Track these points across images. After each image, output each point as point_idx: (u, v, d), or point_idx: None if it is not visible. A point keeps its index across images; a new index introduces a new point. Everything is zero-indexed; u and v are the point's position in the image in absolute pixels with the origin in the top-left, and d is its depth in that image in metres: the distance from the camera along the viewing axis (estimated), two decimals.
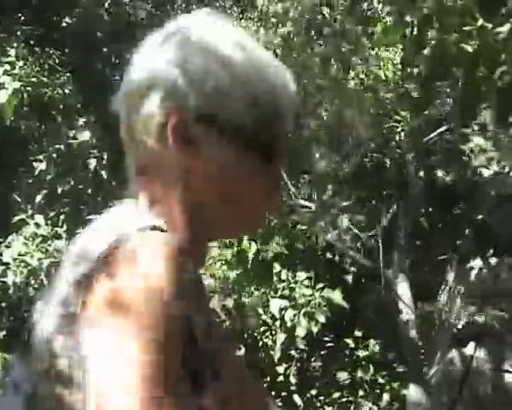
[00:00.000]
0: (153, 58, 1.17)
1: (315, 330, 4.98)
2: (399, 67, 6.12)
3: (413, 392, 5.26)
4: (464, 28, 2.19)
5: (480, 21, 2.13)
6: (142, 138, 1.15)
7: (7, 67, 5.98)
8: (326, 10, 6.58)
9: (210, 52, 1.15)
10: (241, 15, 8.46)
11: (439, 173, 5.70)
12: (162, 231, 1.07)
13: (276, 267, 5.37)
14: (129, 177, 1.22)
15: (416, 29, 2.23)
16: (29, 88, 5.96)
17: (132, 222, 1.07)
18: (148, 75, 1.15)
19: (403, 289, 5.39)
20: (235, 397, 1.33)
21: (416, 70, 2.47)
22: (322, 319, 5.00)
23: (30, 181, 6.76)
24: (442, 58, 2.26)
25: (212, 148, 1.13)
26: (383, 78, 6.07)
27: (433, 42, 2.28)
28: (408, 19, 2.24)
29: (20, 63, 6.07)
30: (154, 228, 1.06)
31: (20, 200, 6.59)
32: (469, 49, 2.23)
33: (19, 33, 6.79)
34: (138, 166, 1.19)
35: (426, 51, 2.23)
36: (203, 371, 1.08)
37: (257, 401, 1.46)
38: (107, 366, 0.95)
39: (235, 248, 5.41)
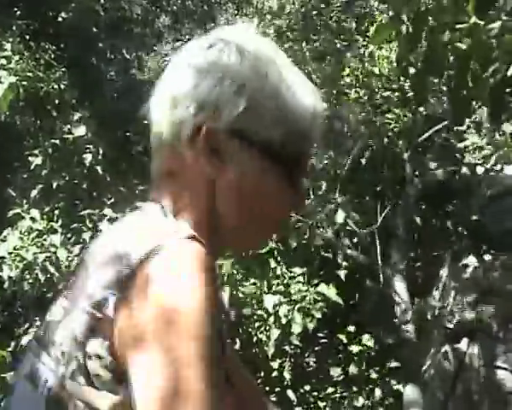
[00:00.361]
0: (190, 69, 1.18)
1: (311, 326, 4.99)
2: (394, 64, 6.14)
3: (408, 387, 5.30)
4: (458, 26, 2.22)
5: (473, 19, 2.15)
6: (173, 145, 1.17)
7: (3, 61, 5.99)
8: (321, 6, 6.61)
9: (245, 69, 1.17)
10: (236, 12, 8.49)
11: (434, 171, 5.72)
12: (197, 240, 1.07)
13: (272, 263, 5.38)
14: (153, 179, 1.24)
15: (410, 27, 2.25)
16: (25, 83, 5.97)
17: (167, 229, 1.08)
18: (185, 85, 1.17)
19: (399, 285, 5.43)
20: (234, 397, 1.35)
21: (411, 68, 2.48)
22: (318, 315, 5.02)
23: (25, 176, 6.76)
24: (435, 55, 2.28)
25: (239, 161, 1.15)
26: (378, 74, 6.09)
27: (425, 39, 2.30)
28: (403, 17, 2.26)
29: (16, 57, 6.07)
30: (191, 238, 1.07)
31: (15, 194, 6.58)
32: (463, 46, 2.25)
33: (14, 28, 6.80)
34: (165, 170, 1.21)
35: (420, 48, 2.26)
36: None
37: (255, 399, 1.49)
38: (158, 375, 0.94)
39: None
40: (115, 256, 1.05)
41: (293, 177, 1.20)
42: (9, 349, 5.70)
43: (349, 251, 5.75)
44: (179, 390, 0.93)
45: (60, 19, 7.12)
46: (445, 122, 5.52)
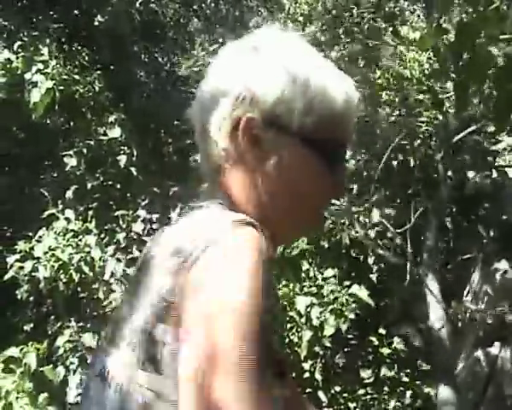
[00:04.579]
0: (228, 66, 1.25)
1: (344, 327, 5.01)
2: (426, 66, 6.14)
3: (441, 389, 5.29)
4: (502, 36, 2.25)
5: None
6: (216, 140, 1.22)
7: (40, 66, 6.06)
8: (353, 7, 6.58)
9: (277, 63, 1.22)
10: (268, 17, 8.52)
11: (468, 174, 5.71)
12: (253, 225, 1.11)
13: (304, 264, 5.41)
14: (203, 176, 1.29)
15: (453, 35, 2.28)
16: (61, 87, 6.04)
17: (224, 220, 1.11)
18: (224, 81, 1.23)
19: (433, 287, 5.41)
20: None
21: (451, 74, 2.51)
22: (351, 315, 5.03)
23: (60, 177, 6.85)
24: (478, 64, 2.31)
25: (279, 149, 1.20)
26: (409, 76, 6.09)
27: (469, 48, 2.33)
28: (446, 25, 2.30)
29: (53, 62, 6.15)
30: (248, 224, 1.11)
31: (49, 195, 6.66)
32: (507, 52, 2.28)
33: (50, 31, 6.89)
34: (214, 167, 1.26)
35: (464, 57, 2.28)
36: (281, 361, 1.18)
37: (296, 400, 1.52)
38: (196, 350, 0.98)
39: None
40: (175, 251, 1.09)
41: (332, 164, 1.23)
42: (43, 347, 5.79)
43: (381, 252, 5.75)
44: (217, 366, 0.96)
45: (96, 23, 7.18)
46: (479, 124, 5.50)
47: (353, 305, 5.10)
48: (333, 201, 5.64)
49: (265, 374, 1.01)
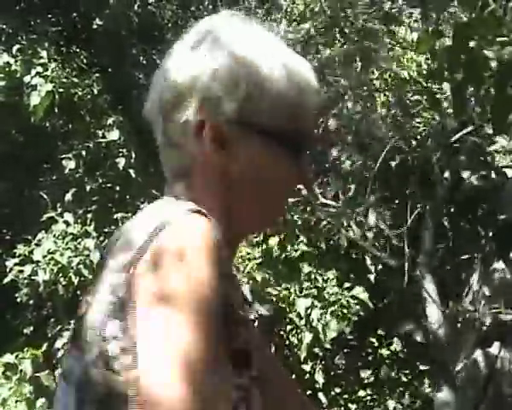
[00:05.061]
0: (185, 64, 1.22)
1: (347, 330, 5.02)
2: (423, 67, 6.14)
3: (441, 391, 5.29)
4: (498, 39, 2.25)
5: None
6: (180, 142, 1.22)
7: (39, 69, 6.07)
8: (348, 7, 6.56)
9: (239, 56, 1.20)
10: (265, 17, 8.52)
11: (464, 174, 5.71)
12: (204, 215, 1.10)
13: (305, 267, 5.42)
14: (166, 179, 1.29)
15: (450, 38, 2.29)
16: (61, 89, 6.05)
17: (174, 207, 1.12)
18: (183, 81, 1.20)
19: (430, 287, 5.42)
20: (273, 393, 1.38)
21: (446, 73, 2.51)
22: (354, 317, 5.04)
23: (59, 180, 6.85)
24: (475, 67, 2.32)
25: (246, 148, 1.20)
26: (407, 77, 6.09)
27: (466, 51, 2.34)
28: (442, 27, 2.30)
29: (53, 65, 6.16)
30: (195, 211, 1.10)
31: (48, 198, 6.67)
32: (504, 56, 2.28)
33: (48, 34, 6.89)
34: (177, 169, 1.25)
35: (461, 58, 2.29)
36: (241, 352, 1.13)
37: (293, 398, 1.52)
38: (156, 348, 0.98)
39: (261, 248, 5.43)
40: (126, 243, 1.10)
41: (296, 154, 1.23)
42: (42, 350, 5.79)
43: (378, 253, 5.75)
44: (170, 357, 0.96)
45: (95, 26, 7.19)
46: (475, 125, 5.49)
47: (356, 307, 5.11)
48: (330, 202, 5.65)
49: (220, 364, 1.01)
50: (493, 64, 2.41)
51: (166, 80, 1.23)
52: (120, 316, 1.06)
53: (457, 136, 5.37)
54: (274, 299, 5.28)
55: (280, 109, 1.20)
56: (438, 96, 5.20)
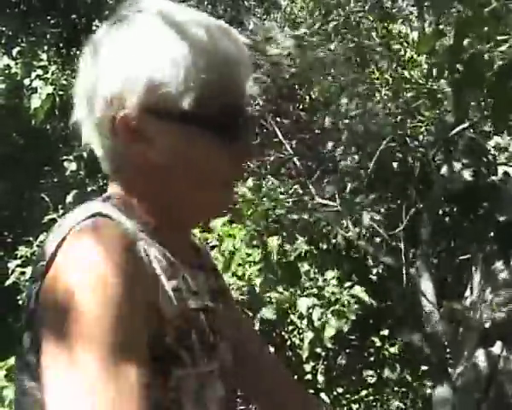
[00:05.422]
0: (97, 56, 1.20)
1: (345, 328, 5.01)
2: (423, 66, 6.14)
3: (438, 390, 5.30)
4: (499, 38, 2.25)
5: None
6: (100, 137, 1.21)
7: (39, 71, 6.08)
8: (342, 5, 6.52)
9: (145, 43, 1.16)
10: (264, 16, 8.54)
11: (462, 172, 5.71)
12: (107, 217, 1.09)
13: (305, 266, 5.41)
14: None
15: (451, 37, 2.29)
16: (61, 92, 6.05)
17: (81, 213, 1.11)
18: (96, 74, 1.19)
19: (427, 287, 5.42)
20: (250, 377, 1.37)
21: (447, 73, 2.51)
22: (352, 317, 5.04)
23: (60, 181, 6.87)
24: (475, 67, 2.31)
25: (162, 136, 1.15)
26: (407, 77, 6.09)
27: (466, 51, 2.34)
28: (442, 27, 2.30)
29: (53, 68, 6.16)
30: (97, 215, 1.09)
31: (49, 200, 6.67)
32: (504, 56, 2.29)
33: (48, 36, 6.90)
34: (108, 167, 1.25)
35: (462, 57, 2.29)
36: (174, 353, 1.09)
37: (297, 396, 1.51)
38: (60, 373, 0.95)
39: (261, 250, 5.42)
40: (41, 253, 1.10)
41: (224, 137, 1.16)
42: None
43: (373, 250, 5.73)
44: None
45: (93, 27, 7.19)
46: (473, 121, 5.47)
47: (355, 306, 5.11)
48: (327, 202, 5.65)
49: (137, 372, 0.97)
50: (494, 63, 2.42)
51: (87, 72, 1.22)
52: (30, 328, 1.06)
53: (454, 131, 5.35)
54: (275, 301, 5.28)
55: (192, 92, 1.13)
56: (437, 93, 5.20)
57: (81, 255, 1.01)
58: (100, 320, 0.94)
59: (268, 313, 5.13)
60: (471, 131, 5.63)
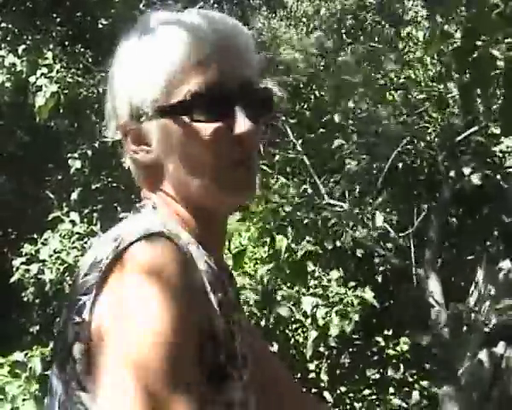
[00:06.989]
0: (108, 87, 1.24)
1: (348, 329, 5.02)
2: (430, 67, 6.14)
3: (444, 389, 5.30)
4: (507, 40, 2.26)
5: None
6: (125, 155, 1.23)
7: (44, 69, 6.07)
8: (354, 8, 6.57)
9: (121, 63, 1.21)
10: (270, 15, 8.54)
11: (468, 174, 5.71)
12: (161, 235, 1.07)
13: (310, 266, 5.42)
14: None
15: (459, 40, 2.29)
16: (66, 90, 6.05)
17: (131, 228, 1.08)
18: (109, 101, 1.23)
19: (434, 288, 5.42)
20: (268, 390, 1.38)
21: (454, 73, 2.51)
22: (356, 317, 5.04)
23: (65, 179, 6.88)
24: (484, 68, 2.31)
25: (160, 136, 1.16)
26: (414, 78, 6.09)
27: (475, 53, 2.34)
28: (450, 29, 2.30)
29: (58, 66, 6.16)
30: (151, 235, 1.06)
31: (54, 198, 6.69)
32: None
33: (54, 34, 6.91)
34: (136, 178, 1.26)
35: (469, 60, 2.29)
36: (227, 366, 1.10)
37: (294, 395, 1.52)
38: (117, 377, 0.96)
39: (268, 247, 5.42)
40: (92, 263, 1.07)
41: (220, 120, 1.14)
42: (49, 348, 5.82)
43: (381, 251, 5.74)
44: None
45: (99, 25, 7.20)
46: (481, 124, 5.48)
47: (359, 307, 5.11)
48: (336, 203, 5.65)
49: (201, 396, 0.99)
50: (501, 64, 2.42)
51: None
52: (82, 338, 1.04)
53: (463, 135, 5.37)
54: (281, 298, 5.29)
55: (182, 86, 1.13)
56: (444, 95, 5.21)
57: (141, 284, 1.00)
58: (159, 348, 0.96)
59: (283, 311, 5.15)
60: (480, 134, 5.63)
